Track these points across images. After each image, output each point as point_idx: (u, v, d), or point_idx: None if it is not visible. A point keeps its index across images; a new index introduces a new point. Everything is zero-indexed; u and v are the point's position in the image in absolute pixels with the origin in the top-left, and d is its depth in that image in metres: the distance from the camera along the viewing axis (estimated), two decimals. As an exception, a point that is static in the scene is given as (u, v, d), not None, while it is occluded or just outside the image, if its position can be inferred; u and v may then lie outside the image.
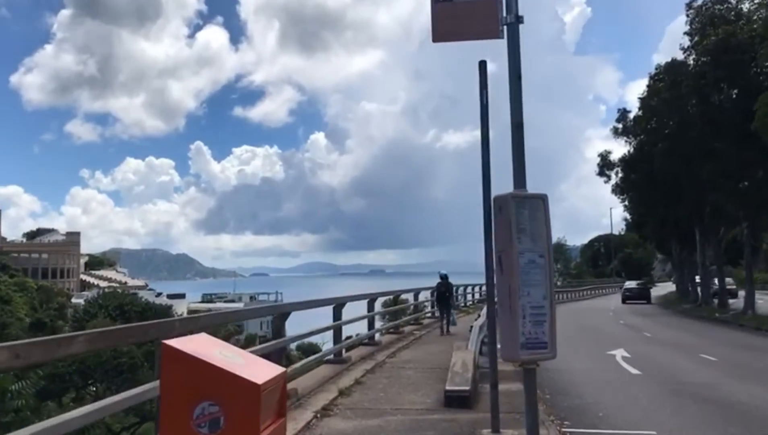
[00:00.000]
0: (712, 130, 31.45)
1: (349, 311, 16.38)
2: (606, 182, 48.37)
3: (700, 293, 45.74)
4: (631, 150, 44.40)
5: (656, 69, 40.91)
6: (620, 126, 44.65)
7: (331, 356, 13.59)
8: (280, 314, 9.86)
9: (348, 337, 14.94)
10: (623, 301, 54.45)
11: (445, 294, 22.80)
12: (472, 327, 14.41)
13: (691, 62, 34.31)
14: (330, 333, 13.59)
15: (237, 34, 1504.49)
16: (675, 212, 42.45)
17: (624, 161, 45.53)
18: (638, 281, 65.32)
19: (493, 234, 6.06)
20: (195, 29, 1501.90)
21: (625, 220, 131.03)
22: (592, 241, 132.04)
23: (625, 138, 44.05)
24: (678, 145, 35.00)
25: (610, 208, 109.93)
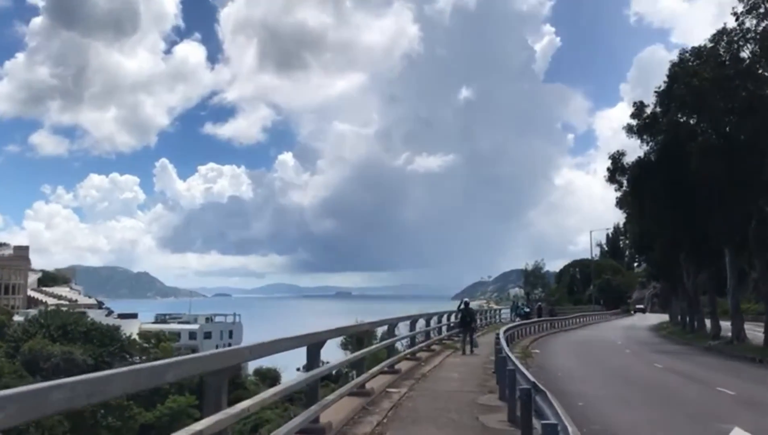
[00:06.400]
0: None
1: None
2: (618, 190, 40.73)
3: (730, 328, 37.56)
4: (649, 151, 36.70)
5: (681, 54, 33.67)
6: (635, 123, 36.95)
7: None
8: None
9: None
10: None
11: (466, 319, 25.48)
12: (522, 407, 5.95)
13: (751, 26, 26.57)
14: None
15: (214, 51, 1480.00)
16: (704, 228, 34.78)
17: (640, 166, 37.69)
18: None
19: None
20: (171, 45, 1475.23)
21: (600, 245, 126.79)
22: (567, 266, 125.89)
23: (643, 136, 36.25)
24: (724, 138, 27.31)
25: (591, 231, 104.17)
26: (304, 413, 8.48)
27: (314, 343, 8.93)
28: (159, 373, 4.24)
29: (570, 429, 4.70)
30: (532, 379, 8.33)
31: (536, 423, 7.70)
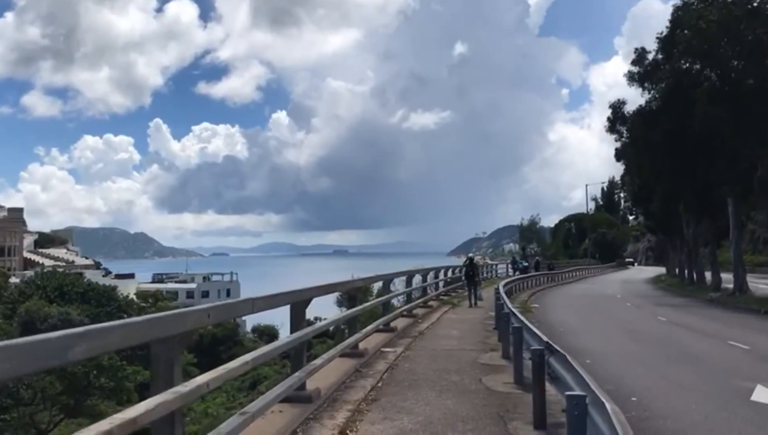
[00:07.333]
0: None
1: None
2: (618, 140, 39.61)
3: (731, 279, 36.81)
4: (651, 99, 35.48)
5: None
6: (636, 70, 35.66)
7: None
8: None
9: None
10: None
11: (469, 273, 26.07)
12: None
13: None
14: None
15: (207, 8, 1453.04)
16: (705, 177, 33.83)
17: (641, 114, 36.46)
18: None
19: None
20: (163, 2, 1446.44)
21: (594, 199, 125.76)
22: (562, 221, 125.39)
23: (645, 84, 34.99)
24: (730, 84, 26.13)
25: (586, 185, 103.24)
26: (288, 380, 7.62)
27: (298, 302, 8.01)
28: (58, 349, 3.04)
29: (608, 406, 3.69)
30: (545, 338, 7.43)
31: (550, 387, 6.84)
